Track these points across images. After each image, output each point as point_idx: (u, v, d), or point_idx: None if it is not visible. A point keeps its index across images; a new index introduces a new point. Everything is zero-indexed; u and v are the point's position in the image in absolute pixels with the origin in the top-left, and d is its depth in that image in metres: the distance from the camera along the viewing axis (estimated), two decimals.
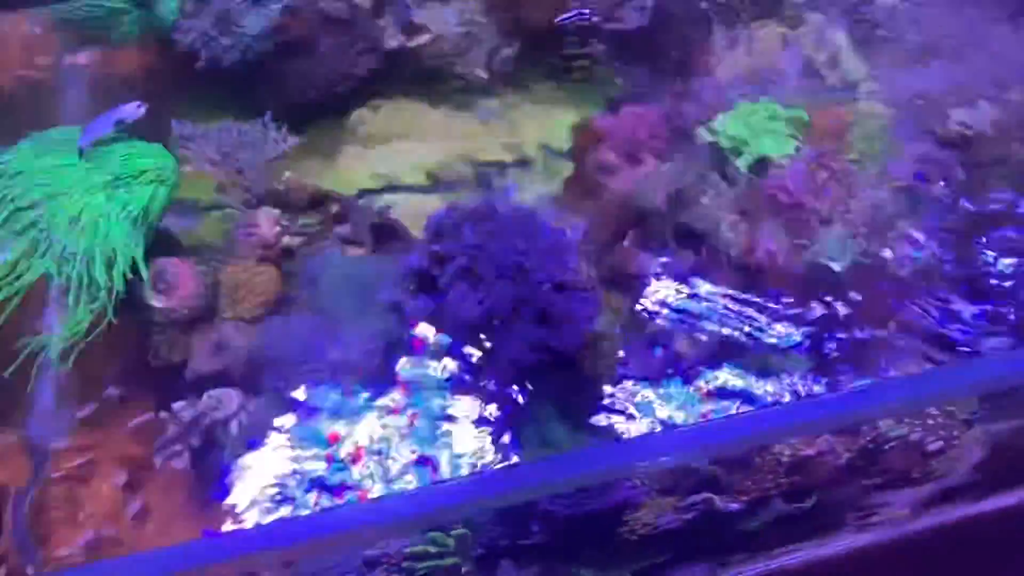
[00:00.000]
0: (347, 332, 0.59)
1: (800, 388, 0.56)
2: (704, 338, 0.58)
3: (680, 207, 0.64)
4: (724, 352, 0.57)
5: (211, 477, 0.56)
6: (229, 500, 0.54)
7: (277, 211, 0.62)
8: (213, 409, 0.57)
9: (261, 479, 0.55)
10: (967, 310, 0.58)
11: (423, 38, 0.78)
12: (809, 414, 0.51)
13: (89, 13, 0.70)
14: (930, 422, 0.59)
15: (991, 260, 0.61)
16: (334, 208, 0.66)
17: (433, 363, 0.57)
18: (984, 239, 0.62)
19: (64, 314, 0.54)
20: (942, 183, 0.67)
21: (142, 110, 0.61)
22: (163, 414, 0.57)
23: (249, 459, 0.56)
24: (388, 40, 0.78)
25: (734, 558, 0.73)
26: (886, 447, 0.60)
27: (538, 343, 0.55)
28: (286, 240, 0.62)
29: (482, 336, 0.55)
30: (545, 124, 0.78)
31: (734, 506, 0.58)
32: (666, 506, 0.57)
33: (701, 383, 0.57)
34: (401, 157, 0.74)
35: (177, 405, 0.57)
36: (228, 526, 0.54)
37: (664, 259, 0.60)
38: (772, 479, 0.57)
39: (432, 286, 0.59)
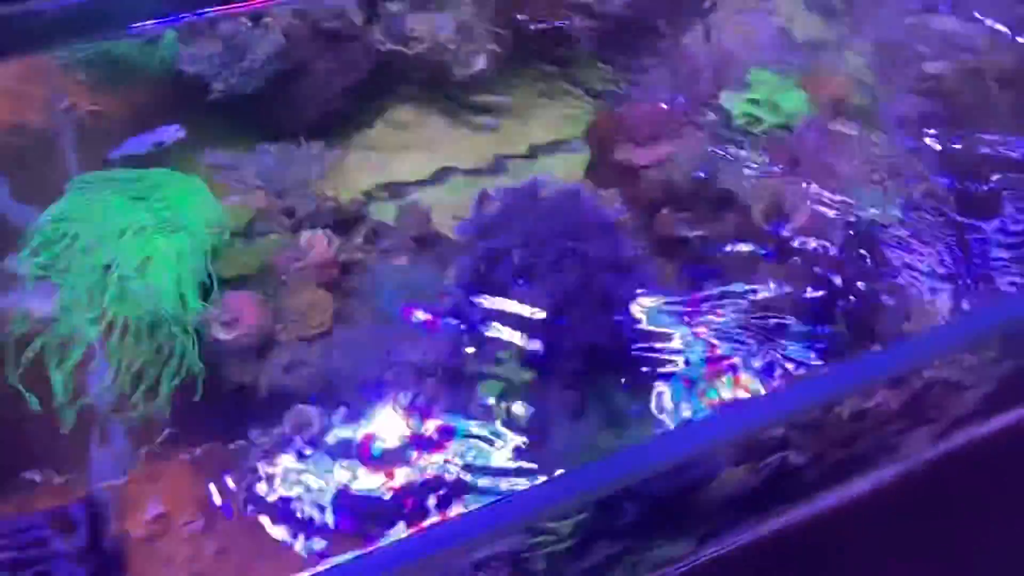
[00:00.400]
0: (411, 340, 0.60)
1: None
2: (753, 299, 0.61)
3: (707, 179, 0.68)
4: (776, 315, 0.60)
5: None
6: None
7: (324, 230, 0.63)
8: (295, 428, 0.58)
9: (345, 495, 0.56)
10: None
11: (420, 46, 0.80)
12: (869, 368, 0.54)
13: (91, 56, 0.69)
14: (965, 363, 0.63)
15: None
16: (373, 220, 0.67)
17: (504, 360, 0.58)
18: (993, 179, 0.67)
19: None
20: (938, 131, 0.72)
21: (181, 133, 0.61)
22: (238, 443, 0.58)
23: (332, 476, 0.57)
24: (385, 50, 0.80)
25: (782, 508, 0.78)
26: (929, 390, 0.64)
27: (605, 326, 0.58)
28: (337, 257, 0.63)
29: (549, 327, 0.57)
30: (552, 118, 0.80)
31: (803, 462, 0.62)
32: (742, 473, 0.61)
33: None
34: (415, 161, 0.75)
35: (253, 433, 0.59)
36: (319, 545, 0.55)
37: (703, 228, 0.63)
38: (837, 432, 0.60)
39: (488, 283, 0.61)
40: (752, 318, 0.59)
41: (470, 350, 0.57)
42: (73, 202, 0.57)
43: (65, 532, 0.45)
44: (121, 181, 0.58)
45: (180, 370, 0.54)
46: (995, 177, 0.69)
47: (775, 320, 0.60)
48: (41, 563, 0.44)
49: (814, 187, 0.64)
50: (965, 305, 0.60)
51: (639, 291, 0.58)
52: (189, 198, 0.58)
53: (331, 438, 0.58)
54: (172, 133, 0.63)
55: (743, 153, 0.68)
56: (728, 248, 0.61)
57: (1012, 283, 0.63)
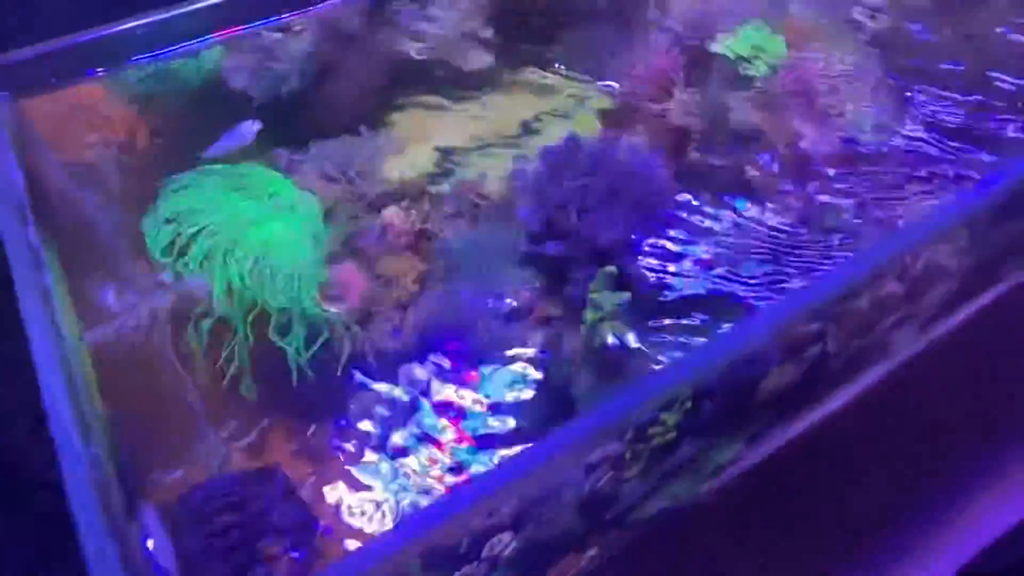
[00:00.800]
0: (499, 288, 0.67)
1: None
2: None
3: (720, 120, 0.77)
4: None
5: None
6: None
7: (399, 205, 0.70)
8: (411, 383, 0.64)
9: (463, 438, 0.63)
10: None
11: (430, 42, 0.87)
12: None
13: (146, 76, 0.74)
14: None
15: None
16: (434, 192, 0.75)
17: (591, 291, 0.65)
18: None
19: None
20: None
21: (257, 126, 0.67)
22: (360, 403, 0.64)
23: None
24: (400, 48, 0.87)
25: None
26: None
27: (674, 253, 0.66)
28: (414, 227, 0.70)
29: (626, 253, 0.65)
30: (562, 90, 0.87)
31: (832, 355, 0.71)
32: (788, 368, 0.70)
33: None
34: (450, 139, 0.81)
35: (374, 394, 0.65)
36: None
37: (731, 159, 0.73)
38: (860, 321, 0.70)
39: (556, 227, 0.69)
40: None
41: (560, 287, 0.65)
42: (177, 201, 0.62)
43: (269, 488, 0.51)
44: (214, 176, 0.64)
45: (311, 342, 0.60)
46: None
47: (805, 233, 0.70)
48: (256, 517, 0.50)
49: (815, 113, 0.74)
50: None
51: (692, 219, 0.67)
52: (283, 186, 0.64)
53: (444, 389, 0.65)
54: (250, 128, 0.68)
55: (745, 92, 0.78)
56: (757, 173, 0.71)
57: None
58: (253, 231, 0.59)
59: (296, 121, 0.77)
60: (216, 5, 0.74)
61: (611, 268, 0.61)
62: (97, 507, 0.39)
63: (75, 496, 0.40)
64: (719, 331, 0.63)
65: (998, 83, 0.79)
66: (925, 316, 0.86)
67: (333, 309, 0.64)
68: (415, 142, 0.79)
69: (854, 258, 0.59)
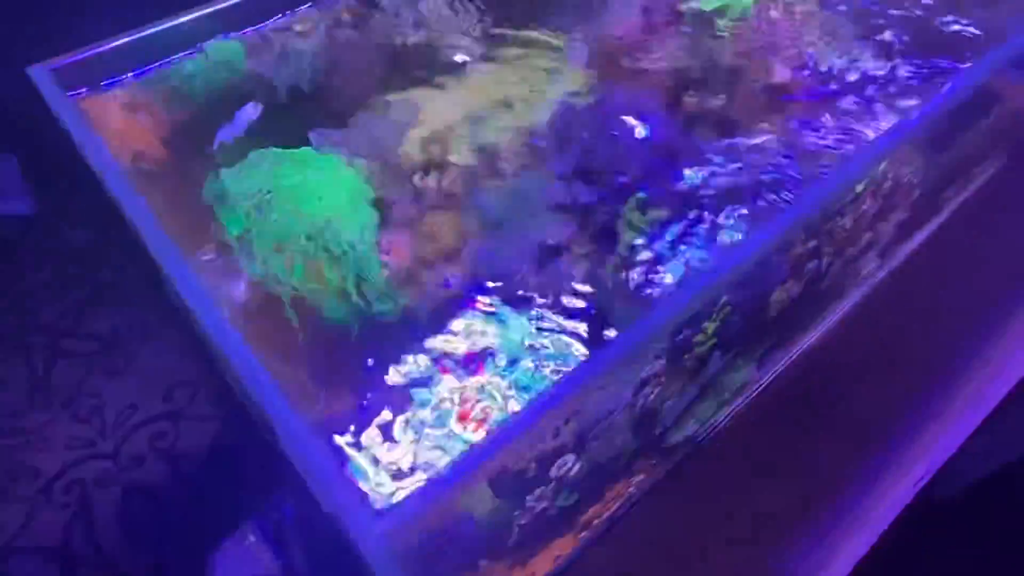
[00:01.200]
0: (538, 231, 0.74)
1: None
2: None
3: (708, 62, 0.85)
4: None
5: None
6: None
7: (430, 173, 0.76)
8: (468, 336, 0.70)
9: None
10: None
11: (424, 30, 0.93)
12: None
13: (167, 76, 0.79)
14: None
15: None
16: (458, 160, 0.80)
17: (625, 212, 0.71)
18: None
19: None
20: None
21: (260, 107, 0.74)
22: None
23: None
24: (399, 36, 0.92)
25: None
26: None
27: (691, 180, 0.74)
28: (450, 188, 0.76)
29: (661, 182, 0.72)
30: (550, 61, 0.94)
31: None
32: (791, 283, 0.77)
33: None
34: (456, 112, 0.86)
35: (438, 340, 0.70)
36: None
37: (725, 99, 0.80)
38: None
39: (580, 174, 0.76)
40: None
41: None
42: (239, 183, 0.67)
43: None
44: (266, 159, 0.69)
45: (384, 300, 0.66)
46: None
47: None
48: None
49: (794, 51, 0.82)
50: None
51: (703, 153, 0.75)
52: (331, 163, 0.70)
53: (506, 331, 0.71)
54: (251, 110, 0.74)
55: (726, 35, 0.86)
56: (752, 107, 0.79)
57: None
58: (315, 206, 0.65)
59: (315, 106, 0.82)
60: (234, 6, 0.80)
61: (641, 194, 0.68)
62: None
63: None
64: (748, 234, 0.70)
65: None
66: (887, 240, 0.95)
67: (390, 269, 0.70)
68: (431, 115, 0.85)
69: (839, 170, 0.66)
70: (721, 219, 0.69)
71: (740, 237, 0.69)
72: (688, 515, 0.78)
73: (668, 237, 0.67)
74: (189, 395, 1.47)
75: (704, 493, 0.80)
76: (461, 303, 0.71)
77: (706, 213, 0.69)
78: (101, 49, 0.73)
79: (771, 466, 0.81)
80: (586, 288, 0.68)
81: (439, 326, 0.69)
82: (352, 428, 0.61)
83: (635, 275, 0.67)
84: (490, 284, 0.71)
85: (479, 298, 0.69)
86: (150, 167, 0.73)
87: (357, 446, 0.60)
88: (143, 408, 1.48)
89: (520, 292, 0.70)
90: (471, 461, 0.47)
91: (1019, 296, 0.95)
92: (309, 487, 0.48)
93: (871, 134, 0.76)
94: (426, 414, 0.64)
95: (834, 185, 0.64)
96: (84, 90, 0.73)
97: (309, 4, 0.85)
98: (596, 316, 0.67)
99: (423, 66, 0.90)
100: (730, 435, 0.84)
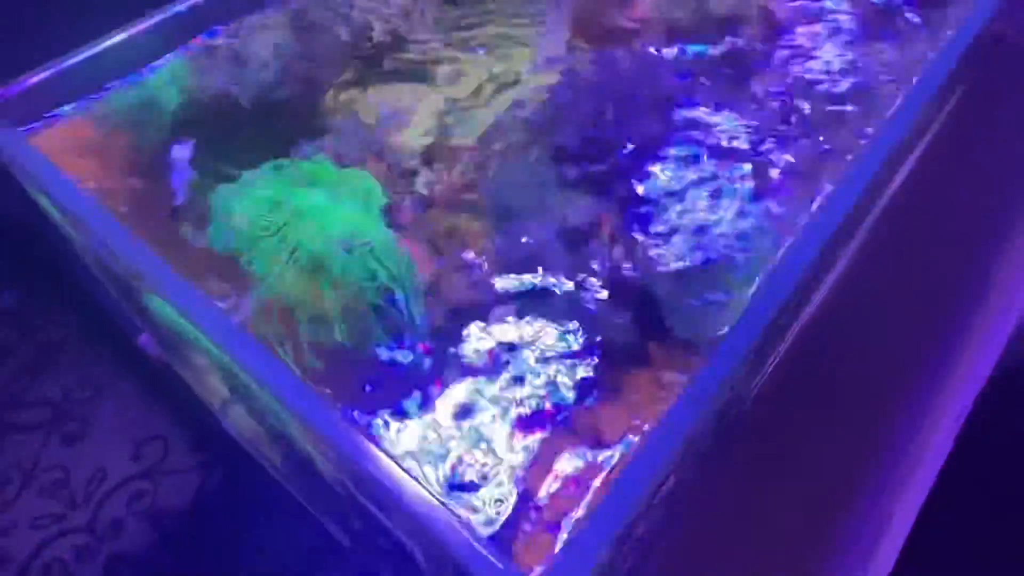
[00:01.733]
0: (562, 217, 0.69)
1: None
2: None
3: (695, 12, 0.81)
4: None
5: None
6: None
7: (434, 166, 0.69)
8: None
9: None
10: None
11: (386, 24, 0.86)
12: None
13: (113, 100, 0.70)
14: None
15: None
16: (458, 147, 0.74)
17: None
18: None
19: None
20: None
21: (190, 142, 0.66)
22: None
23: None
24: (364, 31, 0.85)
25: None
26: None
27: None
28: (457, 180, 0.70)
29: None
30: (525, 36, 0.89)
31: None
32: None
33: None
34: (443, 103, 0.81)
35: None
36: None
37: (719, 47, 0.77)
38: None
39: (589, 147, 0.71)
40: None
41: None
42: (238, 205, 0.60)
43: None
44: (263, 177, 0.62)
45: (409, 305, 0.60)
46: None
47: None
48: None
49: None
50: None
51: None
52: (333, 173, 0.63)
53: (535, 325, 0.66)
54: (182, 150, 0.66)
55: None
56: (749, 52, 0.75)
57: None
58: (330, 217, 0.58)
59: (288, 116, 0.75)
60: (174, 16, 0.71)
61: (659, 153, 0.64)
62: None
63: None
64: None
65: None
66: None
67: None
68: (416, 112, 0.79)
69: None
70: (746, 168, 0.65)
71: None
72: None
73: (704, 192, 0.63)
74: (161, 449, 1.37)
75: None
76: (494, 300, 0.65)
77: (736, 162, 0.66)
78: (29, 82, 0.65)
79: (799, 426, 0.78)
80: (627, 265, 0.64)
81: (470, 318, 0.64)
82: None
83: (676, 241, 0.62)
84: (523, 277, 0.66)
85: (507, 293, 0.63)
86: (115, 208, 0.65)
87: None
88: (113, 471, 1.37)
89: (553, 280, 0.65)
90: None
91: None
92: None
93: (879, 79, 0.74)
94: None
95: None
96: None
97: (259, 9, 0.77)
98: (642, 294, 0.62)
99: (396, 60, 0.84)
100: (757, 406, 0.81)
